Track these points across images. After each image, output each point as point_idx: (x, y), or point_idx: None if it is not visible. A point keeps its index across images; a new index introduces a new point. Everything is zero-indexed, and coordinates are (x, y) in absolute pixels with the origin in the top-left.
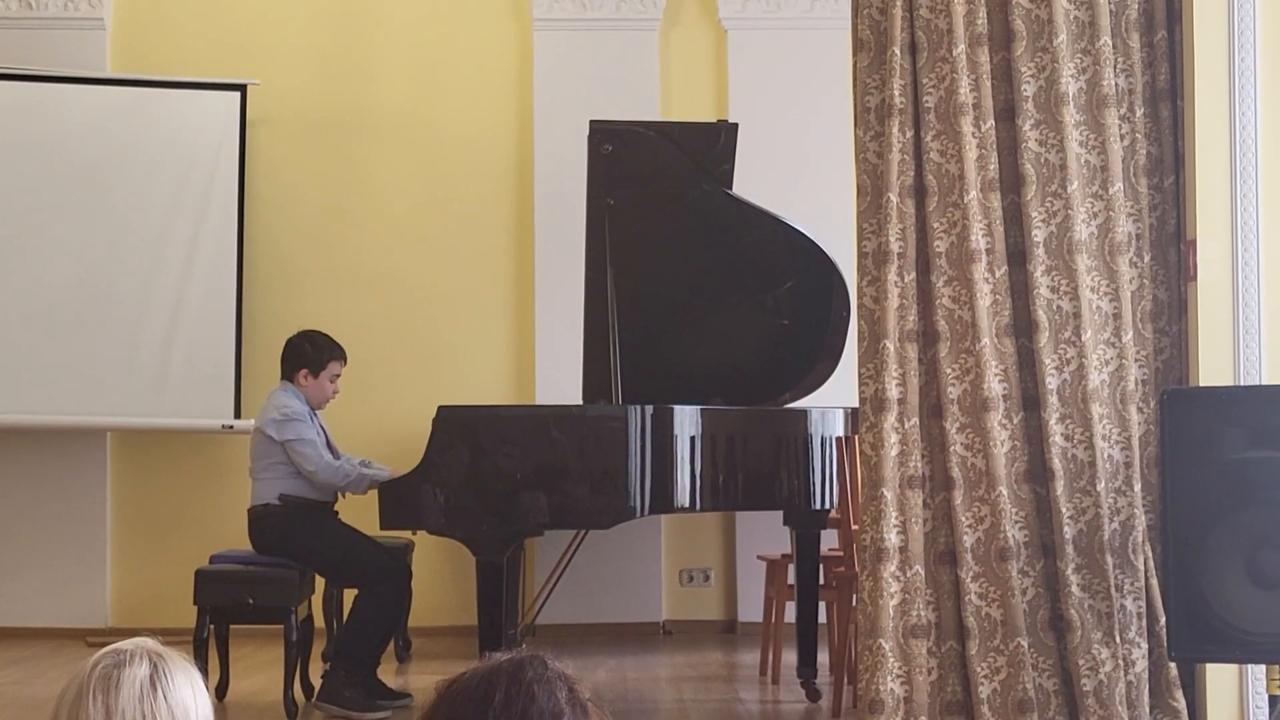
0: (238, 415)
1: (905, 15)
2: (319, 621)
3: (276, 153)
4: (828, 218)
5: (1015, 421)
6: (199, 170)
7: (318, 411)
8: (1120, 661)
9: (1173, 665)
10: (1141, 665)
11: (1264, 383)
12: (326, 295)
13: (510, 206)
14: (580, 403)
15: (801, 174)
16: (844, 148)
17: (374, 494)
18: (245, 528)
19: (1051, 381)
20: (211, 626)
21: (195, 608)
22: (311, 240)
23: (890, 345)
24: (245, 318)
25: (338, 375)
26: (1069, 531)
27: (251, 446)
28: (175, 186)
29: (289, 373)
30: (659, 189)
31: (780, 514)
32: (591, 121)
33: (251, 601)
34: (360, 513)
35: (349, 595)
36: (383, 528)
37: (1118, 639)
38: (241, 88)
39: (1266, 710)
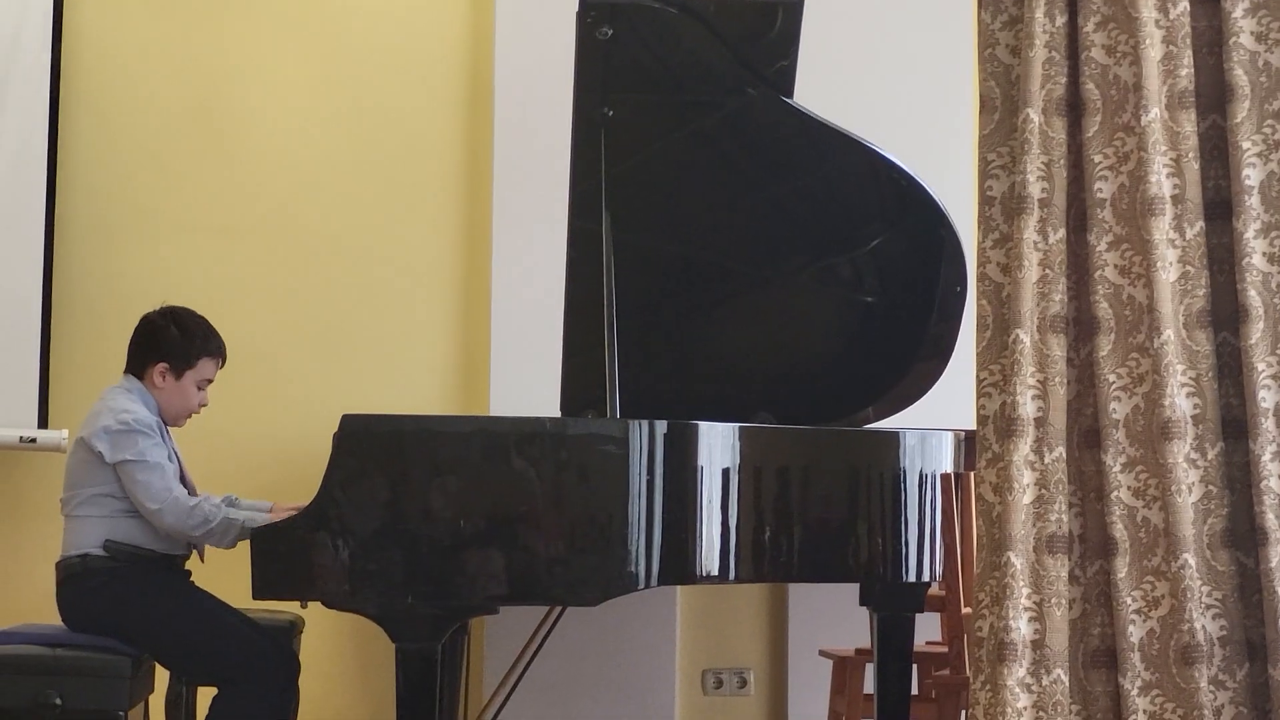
0: (43, 424)
1: None
2: None
3: (108, 29)
4: (933, 144)
5: (1211, 456)
6: None
7: (169, 428)
8: None
9: None
10: None
11: None
12: (182, 251)
13: (458, 118)
14: (557, 415)
15: (895, 77)
16: (961, 39)
17: (245, 548)
18: (52, 590)
19: (1267, 398)
20: None
21: None
22: (161, 166)
23: (1025, 338)
24: (57, 282)
25: (209, 381)
26: None
27: (68, 468)
28: None
29: (139, 365)
30: (682, 94)
31: (855, 589)
32: None
33: (59, 703)
34: (224, 574)
35: (206, 695)
36: (256, 597)
37: None
38: None
39: None
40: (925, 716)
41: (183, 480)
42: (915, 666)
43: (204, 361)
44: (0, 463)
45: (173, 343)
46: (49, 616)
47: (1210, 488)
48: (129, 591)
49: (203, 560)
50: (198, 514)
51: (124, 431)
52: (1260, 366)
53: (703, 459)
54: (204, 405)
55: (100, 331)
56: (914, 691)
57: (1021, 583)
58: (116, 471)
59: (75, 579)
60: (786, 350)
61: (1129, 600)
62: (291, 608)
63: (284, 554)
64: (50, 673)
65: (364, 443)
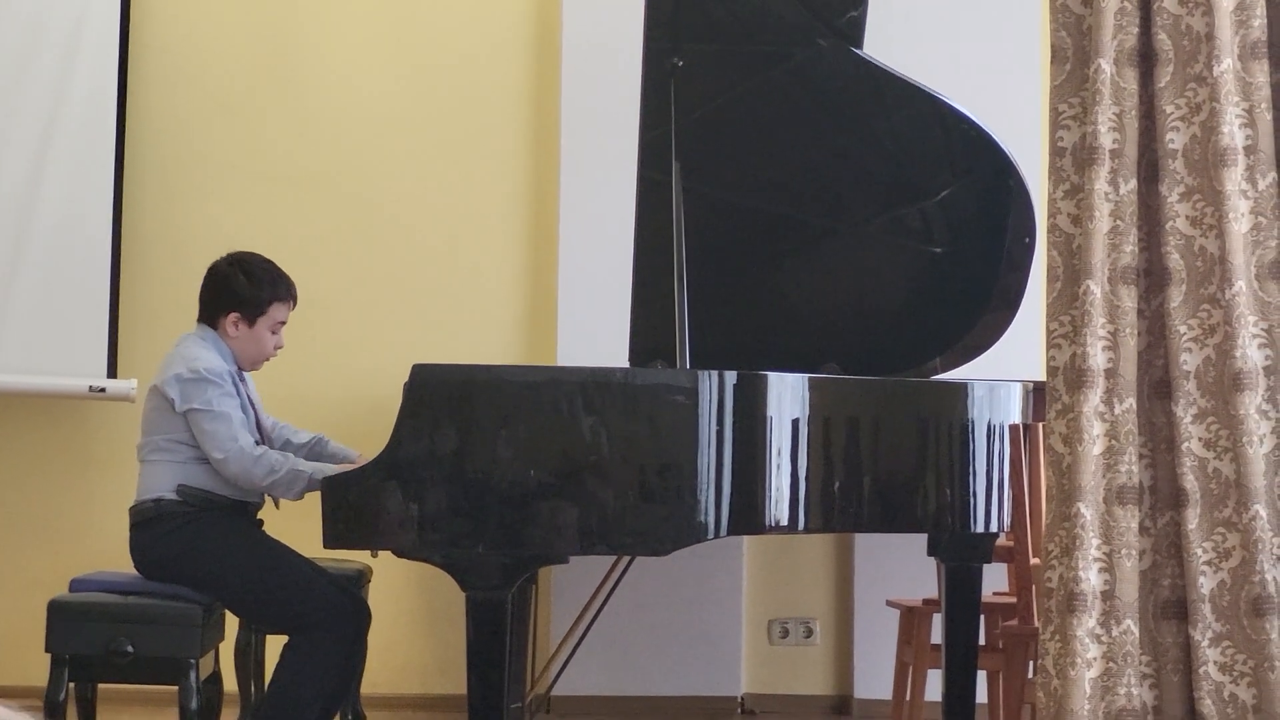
0: (112, 373)
1: None
2: (230, 682)
3: None
4: (1003, 95)
5: None
6: (60, 7)
7: (248, 374)
8: None
9: None
10: None
11: None
12: (251, 201)
13: (526, 68)
14: (626, 365)
15: (963, 27)
16: None
17: (316, 497)
18: (124, 538)
19: None
20: (71, 685)
21: (48, 656)
22: (230, 116)
23: (1096, 289)
24: (126, 234)
25: (282, 323)
26: None
27: (143, 415)
28: (24, 31)
29: (211, 315)
30: (752, 45)
31: (923, 539)
32: None
33: (131, 650)
34: (295, 523)
35: (275, 644)
36: (327, 546)
37: None
38: None
39: None
40: (993, 666)
41: (259, 427)
42: (983, 617)
43: (275, 306)
44: (71, 412)
45: (241, 291)
46: (120, 565)
47: None
48: (201, 537)
49: (277, 506)
50: (263, 464)
51: (194, 380)
52: None
53: (772, 409)
54: (279, 348)
55: (169, 282)
56: (982, 642)
57: (1091, 533)
58: (186, 419)
59: (148, 523)
60: (855, 301)
61: (1199, 551)
62: (361, 557)
63: (355, 503)
64: (123, 620)
65: (435, 392)
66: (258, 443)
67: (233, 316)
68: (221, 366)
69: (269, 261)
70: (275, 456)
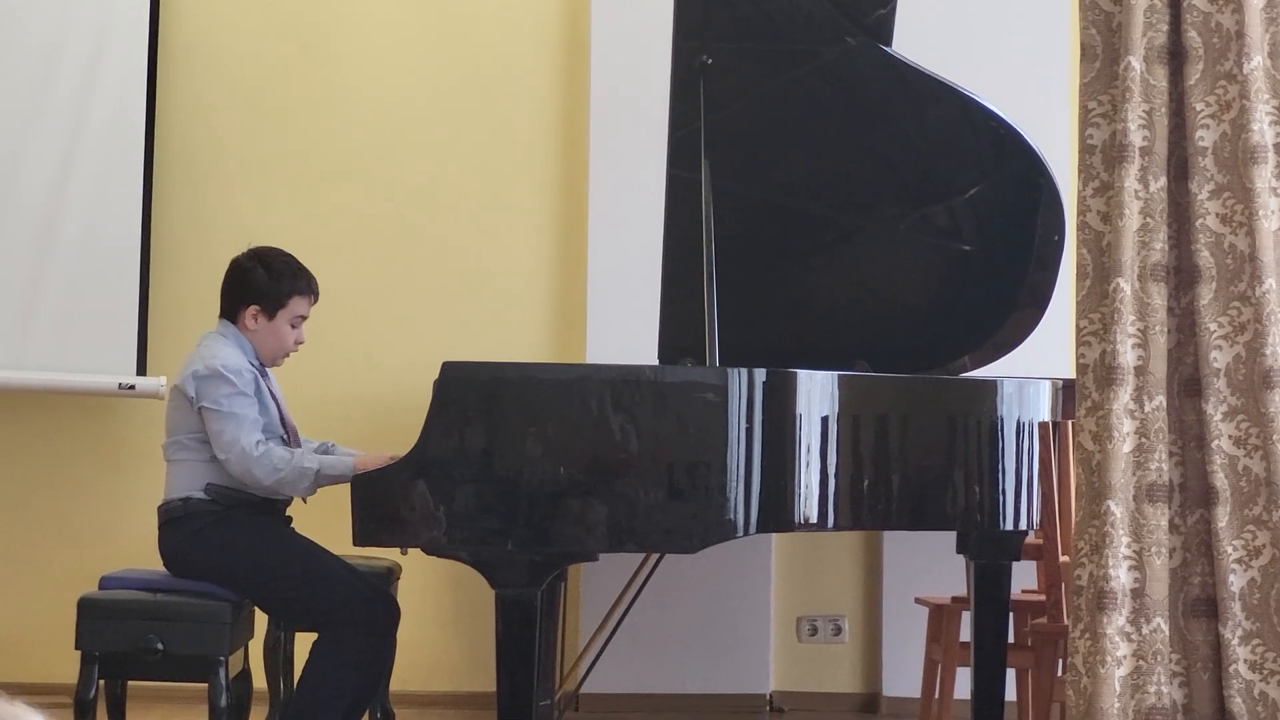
0: (141, 370)
1: None
2: (259, 680)
3: None
4: (1032, 93)
5: None
6: (89, 6)
7: (270, 369)
8: None
9: None
10: None
11: None
12: (279, 199)
13: (555, 65)
14: (656, 363)
15: (993, 25)
16: None
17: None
18: (154, 535)
19: None
20: (101, 683)
21: (78, 654)
22: (258, 114)
23: (1126, 286)
24: (155, 231)
25: (303, 318)
26: None
27: (167, 414)
28: (53, 30)
29: (231, 309)
30: (780, 42)
31: (952, 537)
32: None
33: (161, 648)
34: (325, 521)
35: (304, 641)
36: (357, 544)
37: None
38: None
39: None
40: (1022, 664)
41: (282, 423)
42: (1012, 615)
43: (295, 300)
44: (100, 410)
45: (261, 284)
46: (150, 562)
47: None
48: (230, 535)
49: (305, 501)
50: (264, 462)
51: (209, 377)
52: None
53: (801, 407)
54: (300, 342)
55: (198, 279)
56: (1011, 639)
57: (1121, 531)
58: (201, 415)
59: (177, 522)
60: (884, 299)
61: (1229, 549)
62: (390, 554)
63: (384, 501)
64: (152, 618)
65: (465, 390)
66: (283, 440)
67: (252, 309)
68: (241, 362)
69: (290, 255)
70: (280, 453)
